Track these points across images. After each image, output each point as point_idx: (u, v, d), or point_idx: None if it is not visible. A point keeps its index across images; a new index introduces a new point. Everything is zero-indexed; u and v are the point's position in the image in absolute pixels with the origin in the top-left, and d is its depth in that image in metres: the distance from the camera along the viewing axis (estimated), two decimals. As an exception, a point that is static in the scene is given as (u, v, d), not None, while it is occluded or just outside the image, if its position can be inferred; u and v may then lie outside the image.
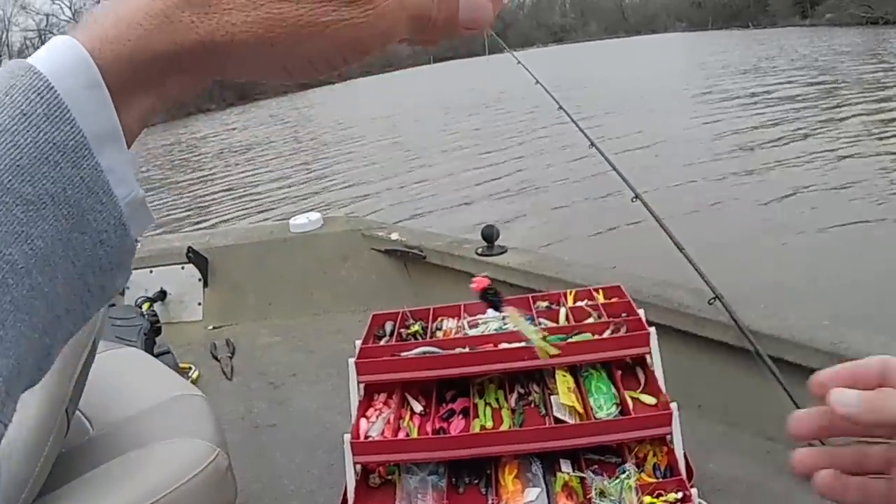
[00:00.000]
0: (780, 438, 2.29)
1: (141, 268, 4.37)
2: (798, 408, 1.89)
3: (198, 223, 12.78)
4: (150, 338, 3.50)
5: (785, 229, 7.84)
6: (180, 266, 4.43)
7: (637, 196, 2.89)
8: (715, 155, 12.04)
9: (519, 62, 3.68)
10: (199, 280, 4.44)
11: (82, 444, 2.03)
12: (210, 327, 4.36)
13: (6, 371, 0.35)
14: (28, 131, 0.36)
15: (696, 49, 49.63)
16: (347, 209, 11.56)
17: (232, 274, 4.46)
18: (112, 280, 0.41)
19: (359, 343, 2.34)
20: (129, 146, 0.40)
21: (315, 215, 4.52)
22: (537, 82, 3.54)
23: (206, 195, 16.70)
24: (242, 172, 19.33)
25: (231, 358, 3.91)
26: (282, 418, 3.26)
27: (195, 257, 4.36)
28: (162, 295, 4.37)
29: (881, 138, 12.15)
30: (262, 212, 12.89)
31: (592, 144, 3.16)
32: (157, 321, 3.71)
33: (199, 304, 4.46)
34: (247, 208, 13.64)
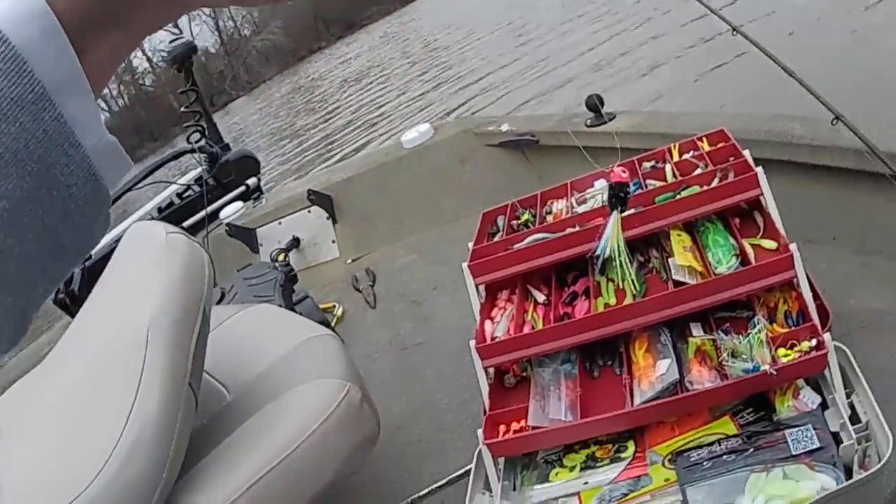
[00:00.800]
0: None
1: (269, 222, 4.47)
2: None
3: (327, 161, 13.01)
4: (287, 288, 3.57)
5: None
6: (307, 210, 4.49)
7: (735, 29, 2.64)
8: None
9: None
10: (328, 218, 4.50)
11: (220, 410, 2.09)
12: (349, 261, 4.43)
13: None
14: None
15: None
16: (463, 110, 11.45)
17: (358, 205, 4.48)
18: (88, 234, 0.39)
19: (471, 245, 2.28)
20: (101, 88, 0.39)
21: (424, 126, 4.46)
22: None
23: (331, 133, 16.95)
24: (360, 101, 19.47)
25: (373, 286, 3.96)
26: (428, 335, 3.29)
27: (317, 198, 4.41)
28: (296, 243, 4.46)
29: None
30: (384, 133, 12.95)
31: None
32: (292, 270, 3.78)
33: (333, 241, 4.52)
34: (369, 135, 13.76)
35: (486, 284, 2.21)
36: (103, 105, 60.31)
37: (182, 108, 4.67)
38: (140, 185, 4.40)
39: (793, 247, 1.80)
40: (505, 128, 4.08)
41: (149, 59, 62.40)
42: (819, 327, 1.72)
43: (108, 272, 2.22)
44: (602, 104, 3.51)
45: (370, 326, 3.58)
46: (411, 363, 3.11)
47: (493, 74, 14.00)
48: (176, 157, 4.95)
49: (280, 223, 4.51)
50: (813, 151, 2.51)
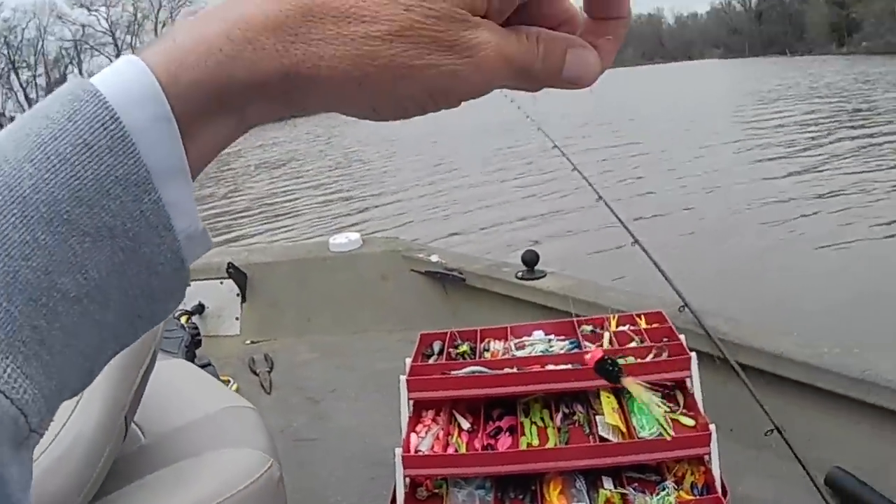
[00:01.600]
0: (807, 461, 2.30)
1: None
2: (764, 410, 1.93)
3: (233, 238, 12.92)
4: (191, 350, 3.56)
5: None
6: (219, 281, 4.50)
7: (636, 240, 3.03)
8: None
9: (528, 117, 3.73)
10: (238, 295, 4.51)
11: (133, 451, 2.07)
12: (248, 342, 4.42)
13: (48, 391, 0.35)
14: (90, 163, 0.35)
15: (733, 76, 49.96)
16: (384, 224, 11.67)
17: (270, 290, 4.52)
18: (164, 307, 0.41)
19: (409, 361, 2.39)
20: (198, 173, 0.40)
21: (355, 235, 4.58)
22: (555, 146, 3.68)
23: (241, 210, 16.88)
24: (269, 188, 19.55)
25: (269, 372, 3.96)
26: (322, 433, 3.30)
27: (235, 273, 4.43)
28: (200, 308, 4.44)
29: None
30: (297, 229, 12.99)
31: (599, 197, 3.31)
32: (198, 334, 3.77)
33: (237, 318, 4.52)
34: (283, 225, 13.78)
35: (416, 401, 2.31)
36: (26, 107, 58.89)
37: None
38: None
39: (712, 427, 2.02)
40: (435, 259, 4.24)
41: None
42: (722, 499, 1.94)
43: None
44: (537, 260, 3.72)
45: (263, 410, 3.52)
46: (302, 456, 3.11)
47: (414, 201, 14.35)
48: None
49: (190, 285, 4.47)
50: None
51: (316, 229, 12.48)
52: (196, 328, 3.83)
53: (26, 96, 58.29)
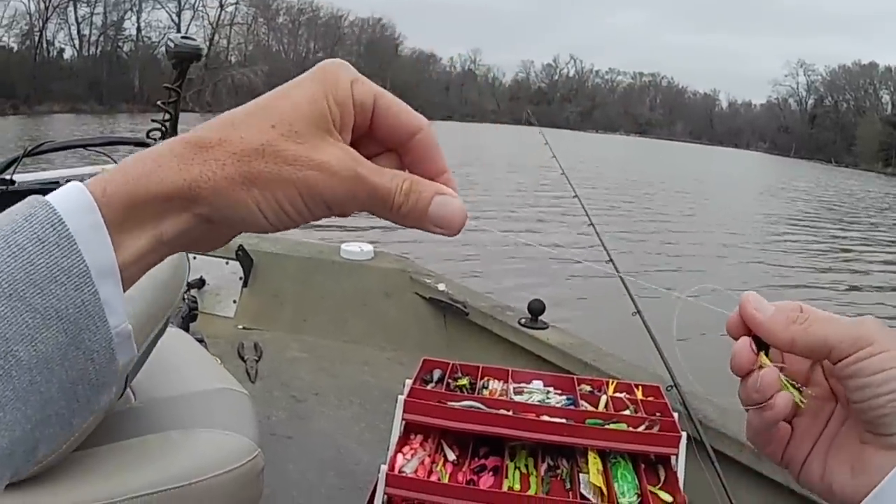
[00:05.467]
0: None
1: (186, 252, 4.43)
2: (731, 502, 1.98)
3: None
4: (187, 322, 3.56)
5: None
6: (225, 261, 4.50)
7: (636, 312, 3.06)
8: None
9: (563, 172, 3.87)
10: (240, 279, 4.51)
11: (123, 411, 2.07)
12: (240, 327, 4.42)
13: (0, 451, 0.41)
14: (42, 253, 0.42)
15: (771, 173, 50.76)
16: (400, 237, 11.74)
17: (273, 281, 4.53)
18: (97, 395, 0.46)
19: (409, 382, 2.41)
20: (128, 284, 0.46)
21: (367, 246, 4.61)
22: (575, 195, 3.85)
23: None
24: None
25: (257, 362, 3.97)
26: (300, 432, 3.31)
27: (243, 256, 4.44)
28: (200, 283, 4.44)
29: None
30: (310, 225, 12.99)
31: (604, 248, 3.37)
32: (196, 307, 3.77)
33: (235, 301, 4.52)
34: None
35: (409, 423, 2.33)
36: (76, 42, 57.96)
37: (159, 102, 4.64)
38: (94, 147, 4.29)
39: None
40: (441, 287, 4.27)
41: (138, 30, 61.15)
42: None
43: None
44: (543, 311, 3.75)
45: (241, 399, 3.56)
46: (275, 452, 3.11)
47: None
48: (138, 143, 4.86)
49: (195, 258, 4.49)
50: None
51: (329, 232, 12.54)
52: (195, 301, 3.84)
53: (79, 31, 58.09)
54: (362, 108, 0.50)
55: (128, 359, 0.47)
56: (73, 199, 0.44)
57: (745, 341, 0.56)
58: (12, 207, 0.44)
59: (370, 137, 0.52)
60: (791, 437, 0.59)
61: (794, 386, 0.55)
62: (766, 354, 0.55)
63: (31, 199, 0.44)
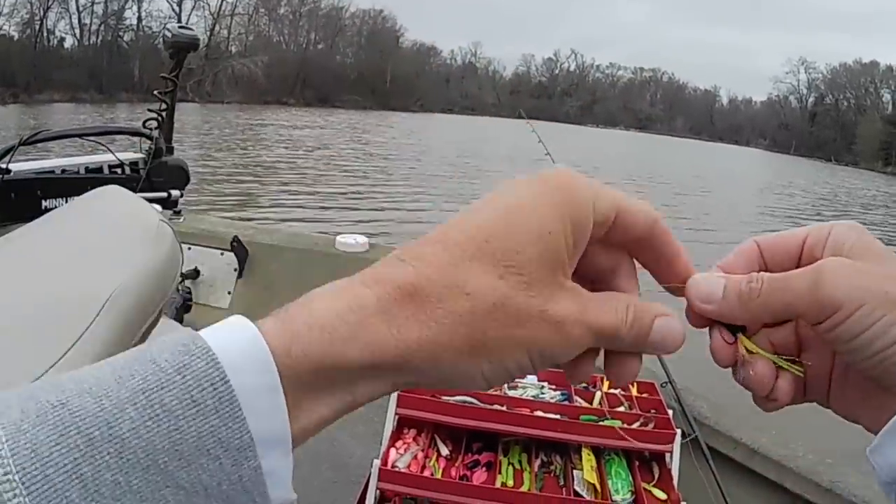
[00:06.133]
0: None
1: (180, 242, 4.40)
2: (725, 499, 1.98)
3: (243, 208, 12.96)
4: (181, 313, 3.55)
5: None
6: (220, 252, 4.48)
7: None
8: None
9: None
10: (235, 270, 4.49)
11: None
12: None
13: None
14: (195, 420, 0.35)
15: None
16: (396, 228, 11.75)
17: (268, 273, 4.50)
18: None
19: None
20: (298, 444, 0.39)
21: (362, 238, 4.58)
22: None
23: (255, 182, 16.97)
24: (298, 170, 19.69)
25: (251, 353, 3.94)
26: None
27: (238, 247, 4.42)
28: (195, 273, 4.42)
29: None
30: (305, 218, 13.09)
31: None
32: (190, 298, 3.76)
33: (229, 292, 4.50)
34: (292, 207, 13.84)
35: (402, 417, 2.32)
36: (77, 31, 57.93)
37: (155, 91, 4.64)
38: (90, 137, 4.29)
39: None
40: None
41: (139, 19, 61.10)
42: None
43: (66, 221, 2.18)
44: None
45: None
46: (267, 444, 3.10)
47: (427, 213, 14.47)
48: (133, 133, 4.85)
49: (190, 248, 4.47)
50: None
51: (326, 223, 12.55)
52: (189, 292, 3.83)
53: (80, 20, 57.88)
54: (601, 227, 0.45)
55: None
56: (244, 350, 0.37)
57: (717, 335, 0.50)
58: (158, 342, 0.37)
59: (599, 243, 0.46)
60: (806, 376, 0.52)
61: (787, 360, 0.50)
62: (745, 333, 0.50)
63: (188, 340, 0.37)
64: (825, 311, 0.45)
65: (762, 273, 0.48)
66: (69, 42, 58.08)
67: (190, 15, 61.61)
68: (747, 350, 0.50)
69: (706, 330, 0.51)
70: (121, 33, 60.22)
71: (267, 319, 0.39)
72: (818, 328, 0.46)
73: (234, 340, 0.37)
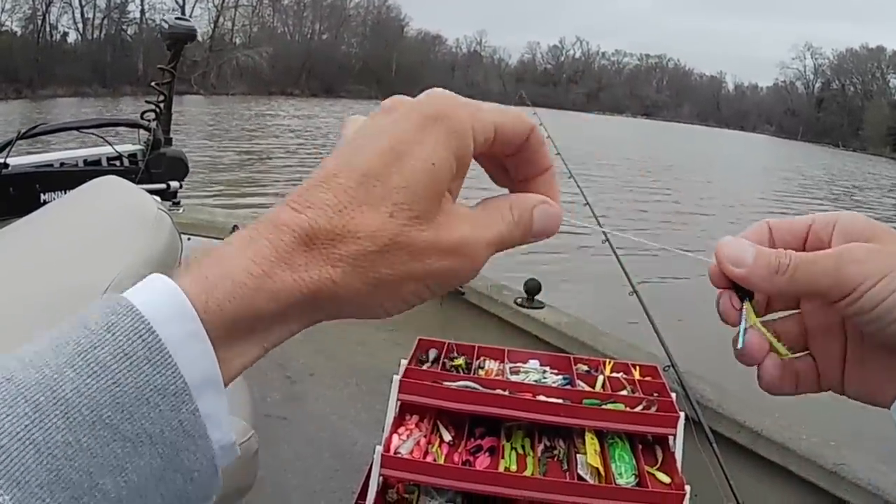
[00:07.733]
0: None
1: (180, 233, 4.41)
2: (729, 483, 1.97)
3: (244, 196, 12.99)
4: (181, 303, 3.53)
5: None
6: (220, 241, 4.47)
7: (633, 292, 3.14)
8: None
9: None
10: None
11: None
12: None
13: None
14: (130, 371, 0.36)
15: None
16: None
17: None
18: None
19: (404, 362, 2.39)
20: (226, 384, 0.41)
21: None
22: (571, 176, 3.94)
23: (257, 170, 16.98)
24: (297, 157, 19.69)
25: (253, 342, 3.94)
26: (294, 414, 3.30)
27: None
28: (194, 263, 4.40)
29: None
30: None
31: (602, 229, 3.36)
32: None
33: None
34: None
35: (404, 403, 2.31)
36: (80, 26, 57.98)
37: (152, 83, 4.63)
38: (87, 130, 4.27)
39: (687, 488, 2.04)
40: None
41: (142, 12, 61.03)
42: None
43: (66, 211, 2.18)
44: (539, 291, 3.72)
45: (238, 378, 3.55)
46: (270, 433, 3.10)
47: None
48: (131, 125, 4.84)
49: (189, 238, 4.46)
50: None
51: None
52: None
53: (83, 15, 57.80)
54: (483, 147, 0.46)
55: (229, 462, 0.42)
56: (166, 304, 0.38)
57: (727, 298, 0.53)
58: (88, 308, 0.39)
59: (483, 156, 0.49)
60: (817, 367, 0.56)
61: (779, 340, 0.53)
62: (751, 300, 0.52)
63: (112, 301, 0.38)
64: (849, 285, 0.49)
65: (790, 251, 0.51)
66: (72, 37, 58.07)
67: (193, 7, 61.59)
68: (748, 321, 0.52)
69: (707, 315, 0.53)
70: (124, 27, 60.17)
71: (183, 275, 0.40)
72: (840, 304, 0.50)
73: (156, 296, 0.39)
